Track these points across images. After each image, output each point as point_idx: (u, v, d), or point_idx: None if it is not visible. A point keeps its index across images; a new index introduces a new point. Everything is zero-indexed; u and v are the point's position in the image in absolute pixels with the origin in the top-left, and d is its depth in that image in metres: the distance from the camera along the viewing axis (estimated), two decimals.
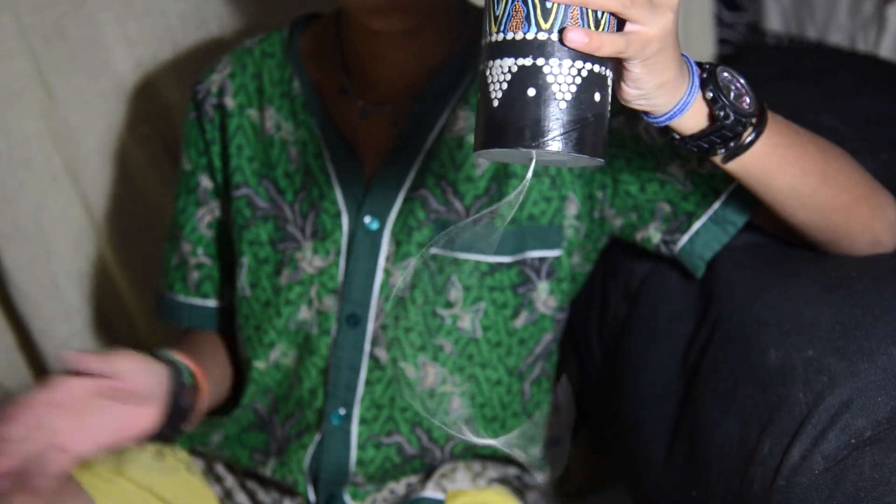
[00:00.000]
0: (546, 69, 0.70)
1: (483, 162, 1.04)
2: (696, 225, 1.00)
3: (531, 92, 0.70)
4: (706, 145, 0.83)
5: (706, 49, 1.53)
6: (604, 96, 0.72)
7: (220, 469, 1.18)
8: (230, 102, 1.11)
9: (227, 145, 1.12)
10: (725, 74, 0.82)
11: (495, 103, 0.71)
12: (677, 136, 0.83)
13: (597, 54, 0.70)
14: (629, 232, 1.05)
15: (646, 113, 0.80)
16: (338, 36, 1.09)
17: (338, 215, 1.07)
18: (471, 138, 1.04)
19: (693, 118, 0.81)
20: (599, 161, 0.73)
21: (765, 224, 1.00)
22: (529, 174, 0.74)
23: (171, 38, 1.43)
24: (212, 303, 1.20)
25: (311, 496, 1.11)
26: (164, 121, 1.46)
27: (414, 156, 1.05)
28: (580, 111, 0.71)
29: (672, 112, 0.79)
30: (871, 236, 0.94)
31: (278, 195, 1.09)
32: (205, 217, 1.18)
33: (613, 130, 1.01)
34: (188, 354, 1.09)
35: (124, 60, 1.42)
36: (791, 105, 1.21)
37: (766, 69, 1.39)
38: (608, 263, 1.15)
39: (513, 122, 0.71)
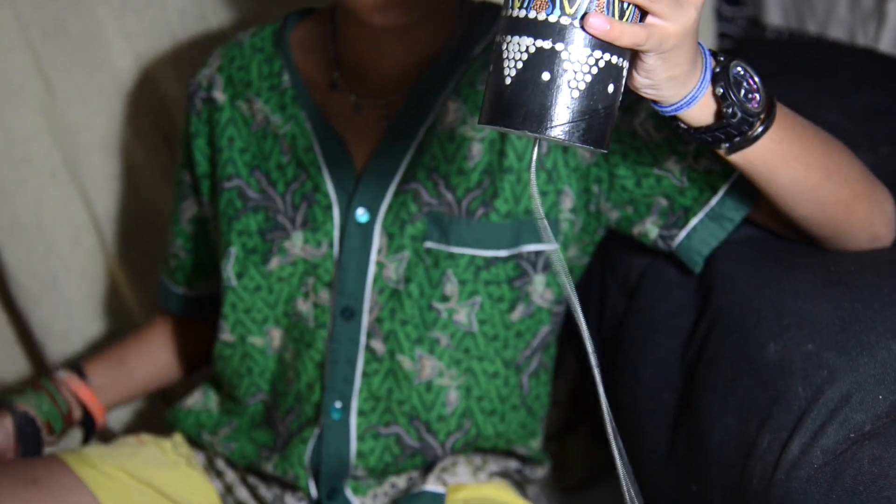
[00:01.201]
0: (564, 55, 0.69)
1: (475, 155, 1.04)
2: (694, 221, 1.00)
3: (545, 76, 0.70)
4: (710, 139, 0.83)
5: (706, 43, 1.52)
6: (617, 87, 0.72)
7: (220, 464, 1.18)
8: (220, 96, 1.12)
9: (217, 138, 1.12)
10: (738, 70, 0.82)
11: (507, 80, 0.71)
12: (683, 126, 0.83)
13: (616, 43, 0.70)
14: (626, 225, 1.05)
15: (654, 101, 0.80)
16: (332, 30, 1.09)
17: (329, 207, 1.07)
18: (463, 131, 1.04)
19: (700, 112, 0.81)
20: (603, 151, 0.73)
21: (762, 220, 1.00)
22: (533, 164, 0.74)
23: (170, 33, 1.43)
24: (180, 290, 1.27)
25: (313, 491, 1.11)
26: (164, 115, 1.46)
27: (405, 148, 1.05)
28: (592, 102, 0.70)
29: (679, 104, 0.79)
30: (870, 231, 0.94)
31: (269, 186, 1.09)
32: (185, 211, 1.21)
33: None
34: (98, 361, 1.24)
35: (123, 55, 1.42)
36: (791, 99, 1.21)
37: (765, 63, 1.39)
38: (607, 257, 1.15)
39: (523, 104, 0.70)
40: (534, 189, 0.74)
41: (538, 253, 1.06)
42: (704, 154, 0.98)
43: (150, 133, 1.46)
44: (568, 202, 1.05)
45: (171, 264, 1.26)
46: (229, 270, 1.11)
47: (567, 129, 0.70)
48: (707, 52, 0.80)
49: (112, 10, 1.40)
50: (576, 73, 0.70)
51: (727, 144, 0.84)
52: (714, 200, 0.99)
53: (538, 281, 1.07)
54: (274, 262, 1.09)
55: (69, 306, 1.48)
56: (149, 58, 1.43)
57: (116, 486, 1.10)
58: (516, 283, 1.06)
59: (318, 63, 1.09)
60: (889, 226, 0.95)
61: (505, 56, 0.71)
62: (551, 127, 0.70)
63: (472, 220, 1.04)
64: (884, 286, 0.90)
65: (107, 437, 1.45)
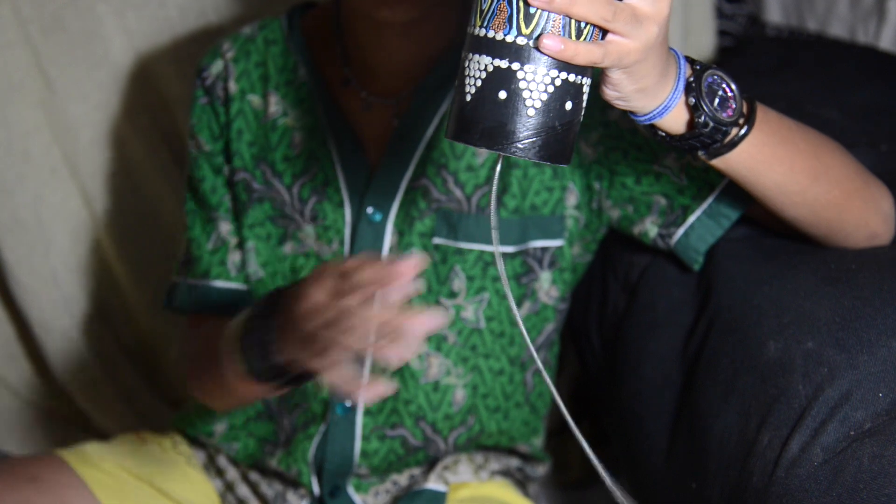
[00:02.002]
0: (520, 74, 0.71)
1: (484, 151, 1.04)
2: (691, 218, 1.00)
3: (502, 95, 0.71)
4: (686, 147, 0.84)
5: (706, 41, 1.52)
6: (576, 104, 0.73)
7: (221, 461, 1.18)
8: (233, 87, 1.11)
9: (230, 129, 1.11)
10: (713, 79, 0.81)
11: (468, 97, 0.72)
12: (661, 134, 0.83)
13: (572, 62, 0.71)
14: (626, 224, 1.05)
15: (628, 111, 0.80)
16: (337, 25, 1.09)
17: (341, 204, 1.06)
18: None
19: (674, 121, 0.81)
20: (563, 164, 0.74)
21: (760, 217, 1.00)
22: (496, 177, 0.75)
23: (169, 29, 1.43)
24: (244, 287, 1.13)
25: (315, 488, 1.11)
26: (163, 112, 1.46)
27: (415, 146, 1.05)
28: (548, 119, 0.72)
29: (652, 114, 0.80)
30: (866, 230, 0.94)
31: (274, 177, 1.09)
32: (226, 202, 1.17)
33: (611, 123, 1.01)
34: None
35: (123, 51, 1.42)
36: (791, 96, 1.21)
37: (766, 61, 1.39)
38: (607, 255, 1.15)
39: (480, 121, 0.72)
40: (493, 203, 0.75)
41: (544, 249, 1.06)
42: None
43: (150, 129, 1.46)
44: (572, 199, 1.05)
45: (233, 258, 1.12)
46: (255, 265, 1.11)
47: (523, 146, 0.71)
48: (682, 61, 0.80)
49: (112, 7, 1.40)
50: (532, 91, 0.71)
51: (703, 152, 0.84)
52: (711, 198, 0.99)
53: (544, 278, 1.07)
54: (288, 247, 1.09)
55: (69, 303, 1.48)
56: (148, 54, 1.43)
57: (116, 483, 1.10)
58: (523, 280, 1.06)
59: (328, 59, 1.09)
60: (887, 223, 0.94)
61: (467, 73, 0.73)
62: (508, 144, 0.71)
63: (480, 215, 1.04)
64: (884, 284, 0.90)
65: (106, 434, 1.45)
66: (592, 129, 1.02)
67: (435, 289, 1.06)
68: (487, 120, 0.71)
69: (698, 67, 0.81)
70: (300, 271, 1.09)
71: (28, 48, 1.39)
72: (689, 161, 0.99)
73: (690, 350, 1.02)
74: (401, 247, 1.05)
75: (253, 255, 1.10)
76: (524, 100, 0.71)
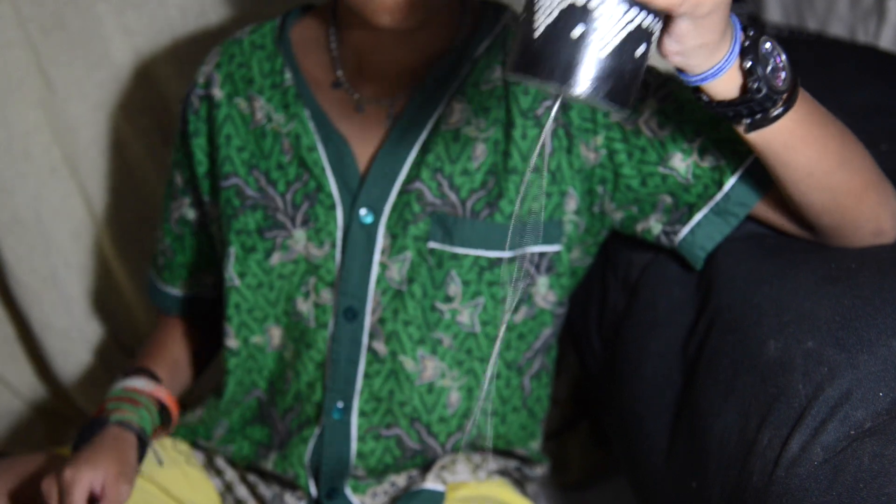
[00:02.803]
0: (597, 13, 0.69)
1: (479, 155, 1.04)
2: (698, 216, 1.00)
3: (576, 32, 0.69)
4: (731, 113, 0.83)
5: None
6: (645, 52, 0.72)
7: (220, 462, 1.18)
8: (218, 93, 1.11)
9: (216, 135, 1.11)
10: (767, 46, 0.81)
11: (537, 32, 0.70)
12: (705, 99, 0.83)
13: (650, 6, 0.70)
14: (629, 224, 1.05)
15: (680, 70, 0.80)
16: (333, 28, 1.09)
17: (332, 207, 1.06)
18: (467, 131, 1.04)
19: (725, 84, 0.81)
20: (625, 112, 0.73)
21: (765, 216, 1.00)
22: (552, 116, 0.74)
23: (169, 29, 1.43)
24: (173, 291, 1.25)
25: (313, 490, 1.11)
26: (163, 111, 1.46)
27: (409, 148, 1.05)
28: (619, 62, 0.70)
29: (706, 74, 0.79)
30: (875, 224, 0.94)
31: (269, 185, 1.09)
32: (174, 212, 1.19)
33: (614, 125, 1.01)
34: (157, 363, 1.19)
35: (123, 51, 1.42)
36: None
37: None
38: (607, 254, 1.15)
39: (549, 57, 0.70)
40: (545, 145, 0.74)
41: (542, 254, 1.06)
42: (709, 150, 0.98)
43: (150, 129, 1.46)
44: (572, 204, 1.05)
45: (159, 262, 1.25)
46: (231, 271, 1.11)
47: (592, 86, 0.70)
48: (738, 25, 0.80)
49: (112, 7, 1.40)
50: (606, 32, 0.69)
51: (748, 120, 0.83)
52: (719, 195, 0.98)
53: (541, 283, 1.07)
54: (275, 258, 1.09)
55: (69, 302, 1.48)
56: (148, 54, 1.43)
57: None
58: (519, 285, 1.06)
59: (319, 61, 1.09)
60: (893, 221, 0.94)
61: (537, 7, 0.71)
62: (576, 83, 0.70)
63: (476, 220, 1.04)
64: (884, 283, 0.90)
65: None
66: (595, 132, 1.02)
67: (430, 293, 1.06)
68: (559, 56, 0.69)
69: (752, 33, 0.81)
70: (292, 275, 1.09)
71: (28, 47, 1.39)
72: (696, 160, 0.99)
73: (691, 349, 1.02)
74: (394, 250, 1.05)
75: (232, 261, 1.11)
76: (598, 39, 0.69)
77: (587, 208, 1.05)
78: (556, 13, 0.70)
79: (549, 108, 1.02)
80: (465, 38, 1.06)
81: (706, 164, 0.98)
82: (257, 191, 1.09)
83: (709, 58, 0.78)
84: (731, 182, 0.98)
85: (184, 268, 1.23)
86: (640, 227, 1.04)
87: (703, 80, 0.80)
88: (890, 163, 1.07)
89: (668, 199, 1.01)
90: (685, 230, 1.01)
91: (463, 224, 1.04)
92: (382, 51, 1.04)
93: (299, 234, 1.08)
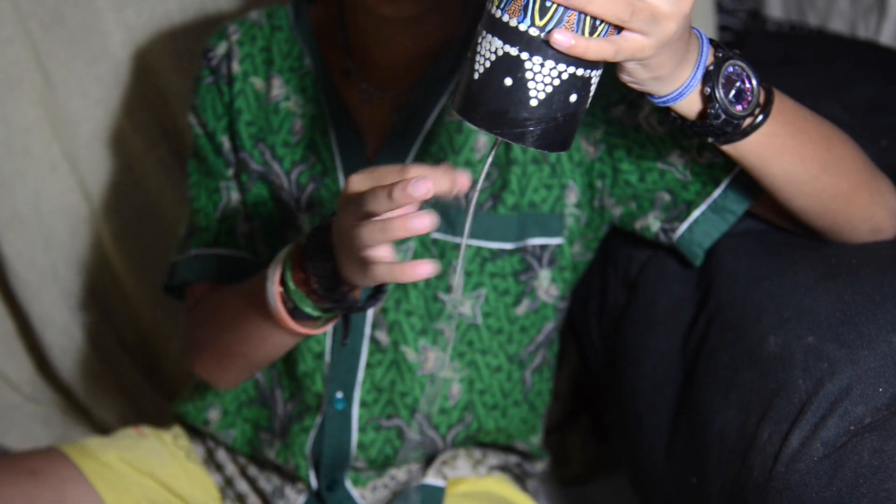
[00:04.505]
0: (528, 65, 0.70)
1: (482, 147, 1.04)
2: (696, 213, 1.00)
3: (508, 81, 0.71)
4: (698, 132, 0.84)
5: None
6: (582, 96, 0.73)
7: (220, 456, 1.18)
8: (236, 67, 1.11)
9: (232, 108, 1.11)
10: (733, 69, 0.81)
11: (475, 76, 0.72)
12: (673, 115, 0.83)
13: (583, 58, 0.70)
14: (628, 221, 1.05)
15: (645, 93, 0.80)
16: (340, 16, 1.09)
17: (338, 194, 1.06)
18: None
19: (688, 106, 0.82)
20: (561, 152, 0.74)
21: (764, 212, 1.00)
22: (489, 158, 0.76)
23: (169, 24, 1.43)
24: (207, 251, 1.11)
25: (313, 481, 1.11)
26: (163, 107, 1.45)
27: (414, 139, 1.05)
28: (550, 111, 0.72)
29: (667, 98, 0.80)
30: (871, 223, 0.94)
31: (273, 160, 1.09)
32: (216, 191, 1.15)
33: (614, 120, 1.01)
34: None
35: (123, 47, 1.42)
36: (791, 92, 1.21)
37: (766, 56, 1.39)
38: (607, 250, 1.15)
39: (484, 103, 0.72)
40: (478, 184, 0.78)
41: (544, 247, 1.06)
42: (707, 147, 0.98)
43: (150, 125, 1.46)
44: (573, 197, 1.05)
45: (188, 233, 1.11)
46: (262, 245, 1.11)
47: (521, 133, 0.72)
48: (706, 47, 0.80)
49: (111, 2, 1.39)
50: (537, 83, 0.71)
51: (712, 139, 0.84)
52: (717, 193, 0.99)
53: (543, 276, 1.07)
54: (288, 237, 1.09)
55: (68, 298, 1.48)
56: (148, 49, 1.43)
57: (116, 477, 1.10)
58: (522, 277, 1.06)
59: (331, 49, 1.09)
60: (891, 218, 0.94)
61: (478, 50, 0.72)
62: (507, 129, 0.71)
63: (479, 211, 1.04)
64: (884, 279, 0.90)
65: (106, 429, 1.45)
66: (595, 126, 1.02)
67: (433, 283, 1.06)
68: (491, 103, 0.71)
69: (720, 55, 0.81)
70: None
71: (27, 43, 1.38)
72: (694, 157, 0.99)
73: (691, 346, 1.02)
74: (396, 240, 1.05)
75: (259, 235, 1.10)
76: (529, 90, 0.71)
77: (587, 202, 1.06)
78: (491, 60, 0.71)
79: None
80: (468, 28, 1.06)
81: (704, 161, 0.98)
82: (262, 164, 1.09)
83: (667, 86, 0.79)
84: (728, 179, 0.98)
85: (221, 222, 1.11)
86: (638, 225, 1.04)
87: (664, 102, 0.80)
88: (890, 159, 1.07)
89: (667, 197, 1.01)
90: (683, 227, 1.01)
91: (465, 215, 1.04)
92: (386, 40, 1.04)
93: (304, 220, 1.08)
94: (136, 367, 1.54)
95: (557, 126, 0.72)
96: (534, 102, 0.71)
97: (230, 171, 1.12)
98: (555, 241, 1.06)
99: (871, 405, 0.83)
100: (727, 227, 1.00)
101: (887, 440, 0.80)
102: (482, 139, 1.04)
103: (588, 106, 0.75)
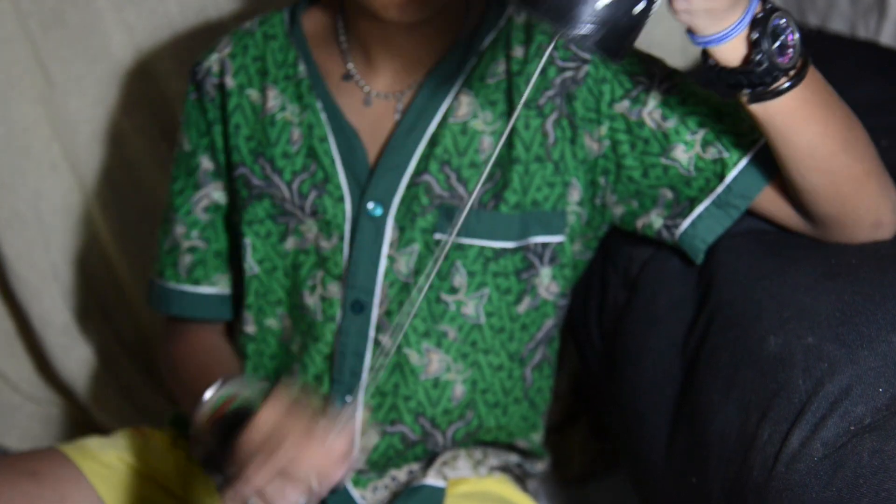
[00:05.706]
0: None
1: (486, 147, 1.04)
2: (699, 209, 1.00)
3: None
4: (733, 81, 0.84)
5: None
6: (644, 10, 0.74)
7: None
8: (230, 82, 1.11)
9: (228, 125, 1.11)
10: (780, 21, 0.82)
11: None
12: (711, 62, 0.84)
13: None
14: (629, 220, 1.05)
15: (688, 30, 0.81)
16: (342, 21, 1.09)
17: (341, 199, 1.06)
18: (474, 124, 1.04)
19: (731, 51, 0.82)
20: (616, 61, 0.75)
21: (766, 210, 1.00)
22: (546, 55, 0.78)
23: (169, 25, 1.43)
24: (203, 289, 1.16)
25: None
26: (163, 107, 1.46)
27: (417, 141, 1.05)
28: (616, 14, 0.72)
29: (711, 38, 0.81)
30: (875, 215, 0.93)
31: (274, 173, 1.09)
32: (201, 200, 1.16)
33: (618, 116, 1.01)
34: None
35: (123, 46, 1.42)
36: None
37: None
38: (607, 250, 1.15)
39: None
40: (478, 184, 0.81)
41: (545, 245, 1.06)
42: (711, 143, 0.98)
43: (150, 124, 1.46)
44: (575, 194, 1.05)
45: (184, 261, 1.15)
46: (250, 261, 1.11)
47: (585, 31, 0.72)
48: None
49: (111, 2, 1.40)
50: None
51: (748, 90, 0.84)
52: (720, 188, 0.99)
53: (544, 273, 1.07)
54: (290, 242, 1.09)
55: (68, 298, 1.48)
56: (148, 50, 1.43)
57: (116, 477, 1.10)
58: (523, 276, 1.06)
59: (330, 54, 1.09)
60: (893, 213, 0.94)
61: None
62: (571, 25, 0.72)
63: (482, 211, 1.04)
64: (885, 279, 0.90)
65: (106, 429, 1.45)
66: (599, 122, 1.02)
67: (436, 284, 1.06)
68: None
69: (769, 6, 0.82)
70: (301, 267, 1.09)
71: (28, 43, 1.39)
72: (698, 152, 0.99)
73: (691, 345, 1.02)
74: (402, 242, 1.05)
75: (249, 251, 1.11)
76: None
77: (589, 199, 1.06)
78: None
79: (551, 98, 1.02)
80: (471, 30, 1.06)
81: (708, 156, 0.98)
82: (263, 179, 1.09)
83: (716, 23, 0.80)
84: (732, 174, 0.98)
85: (221, 258, 1.16)
86: (640, 223, 1.04)
87: (707, 42, 0.81)
88: (890, 159, 1.07)
89: (669, 194, 1.01)
90: (686, 223, 1.01)
91: (469, 214, 1.04)
92: (390, 44, 1.04)
93: (311, 223, 1.08)
94: (135, 367, 1.54)
95: (618, 33, 0.73)
96: (600, 4, 0.72)
97: (200, 193, 1.14)
98: (556, 238, 1.06)
99: (871, 405, 0.83)
100: (731, 223, 1.00)
101: (887, 440, 0.80)
102: (486, 140, 1.04)
103: (645, 24, 0.75)
